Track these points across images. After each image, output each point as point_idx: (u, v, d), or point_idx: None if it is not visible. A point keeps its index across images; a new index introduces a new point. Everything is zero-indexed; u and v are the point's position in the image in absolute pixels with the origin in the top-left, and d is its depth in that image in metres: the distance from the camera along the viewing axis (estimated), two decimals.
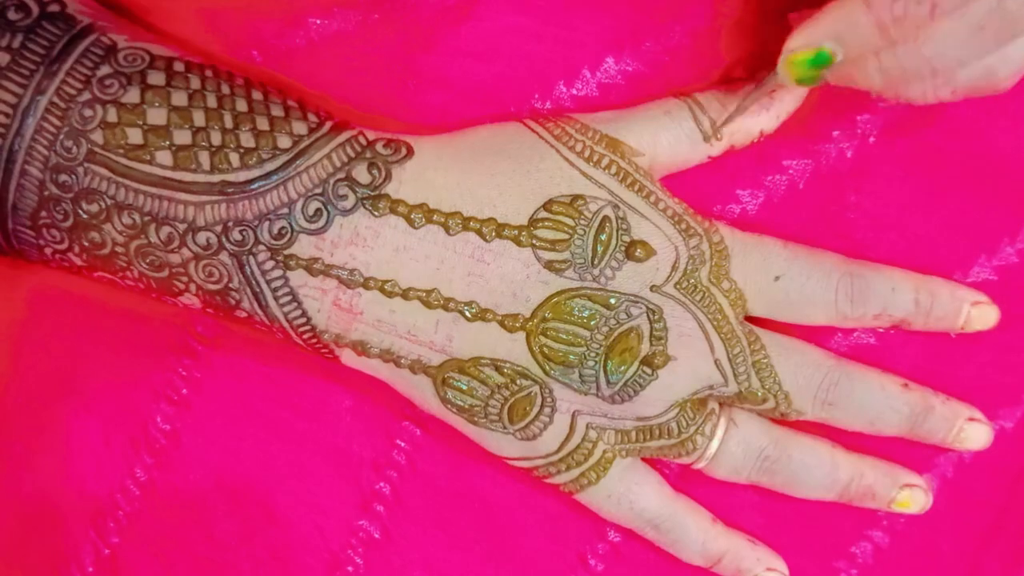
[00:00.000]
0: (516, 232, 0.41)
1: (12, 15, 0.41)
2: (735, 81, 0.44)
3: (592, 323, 0.41)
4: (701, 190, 0.44)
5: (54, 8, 0.42)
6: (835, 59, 0.39)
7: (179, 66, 0.42)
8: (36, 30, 0.41)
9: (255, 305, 0.41)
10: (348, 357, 0.43)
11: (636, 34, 0.43)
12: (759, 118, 0.43)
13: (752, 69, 0.44)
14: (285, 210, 0.41)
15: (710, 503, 0.45)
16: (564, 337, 0.41)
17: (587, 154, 0.42)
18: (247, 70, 0.44)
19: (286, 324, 0.42)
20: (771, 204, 0.44)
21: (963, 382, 0.45)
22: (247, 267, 0.41)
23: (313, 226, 0.41)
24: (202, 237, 0.41)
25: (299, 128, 0.41)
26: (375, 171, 0.41)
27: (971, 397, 0.45)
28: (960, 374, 0.45)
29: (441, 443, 0.45)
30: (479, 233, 0.41)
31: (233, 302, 0.41)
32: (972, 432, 0.45)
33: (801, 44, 0.39)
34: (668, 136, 0.43)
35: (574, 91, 0.44)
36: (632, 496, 0.44)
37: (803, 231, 0.44)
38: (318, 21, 0.44)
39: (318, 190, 0.41)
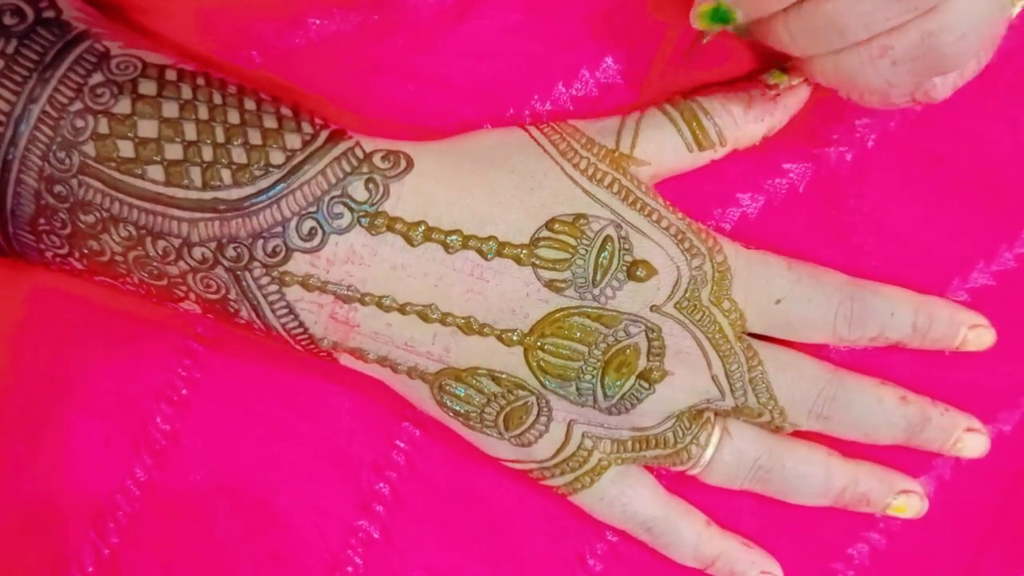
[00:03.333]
0: (517, 251, 0.41)
1: (7, 20, 0.41)
2: (737, 81, 0.44)
3: (590, 339, 0.41)
4: (702, 194, 0.44)
5: (49, 14, 0.41)
6: (734, 15, 0.38)
7: (171, 74, 0.41)
8: (31, 35, 0.41)
9: (253, 315, 0.41)
10: (347, 360, 0.43)
11: (635, 34, 0.43)
12: (763, 122, 0.43)
13: (753, 68, 0.44)
14: (279, 228, 0.40)
15: (706, 504, 0.45)
16: (562, 352, 0.41)
17: (590, 172, 0.42)
18: (241, 74, 0.43)
19: (284, 333, 0.42)
20: (771, 207, 0.44)
21: (962, 385, 0.45)
22: (243, 281, 0.41)
23: (308, 244, 0.40)
24: (197, 252, 0.40)
25: (292, 141, 0.41)
26: (372, 187, 0.41)
27: (970, 400, 0.45)
28: (959, 377, 0.45)
29: (440, 444, 0.45)
30: (479, 252, 0.41)
31: (232, 310, 0.41)
32: (969, 442, 0.45)
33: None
34: (673, 144, 0.43)
35: (573, 91, 0.44)
36: (625, 499, 0.44)
37: (803, 235, 0.44)
38: (318, 22, 0.43)
39: (312, 208, 0.40)
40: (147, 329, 0.46)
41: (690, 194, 0.44)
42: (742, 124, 0.43)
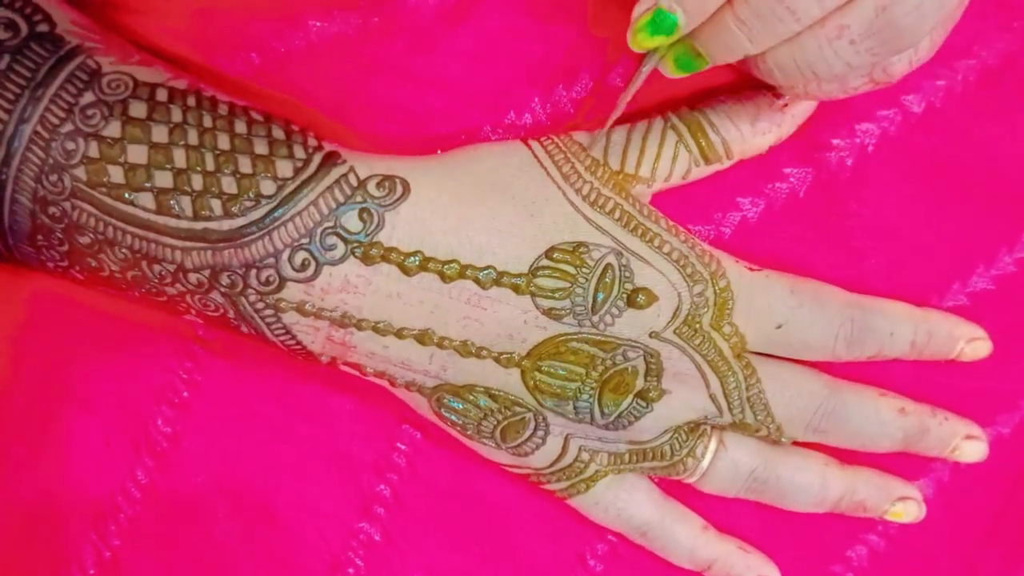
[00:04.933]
0: (516, 280, 0.41)
1: (1, 34, 0.40)
2: (740, 89, 0.43)
3: (587, 362, 0.41)
4: (702, 198, 0.44)
5: (43, 28, 0.41)
6: (678, 20, 0.36)
7: (162, 94, 0.41)
8: (23, 51, 0.40)
9: (253, 332, 0.41)
10: (346, 367, 0.43)
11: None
12: (770, 134, 0.43)
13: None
14: (271, 259, 0.40)
15: (705, 506, 0.45)
16: (559, 373, 0.41)
17: (593, 198, 0.41)
18: (234, 84, 0.43)
19: (283, 348, 0.42)
20: (772, 212, 0.44)
21: (961, 388, 0.45)
22: (240, 305, 0.40)
23: (301, 275, 0.40)
24: (193, 278, 0.40)
25: (284, 169, 0.40)
26: (366, 217, 0.40)
27: (970, 403, 0.45)
28: (958, 381, 0.45)
29: (441, 446, 0.45)
30: (476, 281, 0.40)
31: (234, 325, 0.41)
32: (967, 449, 0.45)
33: (640, 10, 0.37)
34: (679, 159, 0.42)
35: (574, 94, 0.43)
36: (620, 504, 0.44)
37: (803, 239, 0.44)
38: (318, 23, 0.43)
39: (304, 239, 0.40)
40: (148, 331, 0.46)
41: (691, 199, 0.44)
42: (749, 138, 0.42)
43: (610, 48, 0.43)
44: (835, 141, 0.44)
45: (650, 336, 0.42)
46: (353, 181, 0.40)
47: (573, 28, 0.43)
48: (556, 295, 0.41)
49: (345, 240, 0.40)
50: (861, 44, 0.36)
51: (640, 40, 0.37)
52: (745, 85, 0.43)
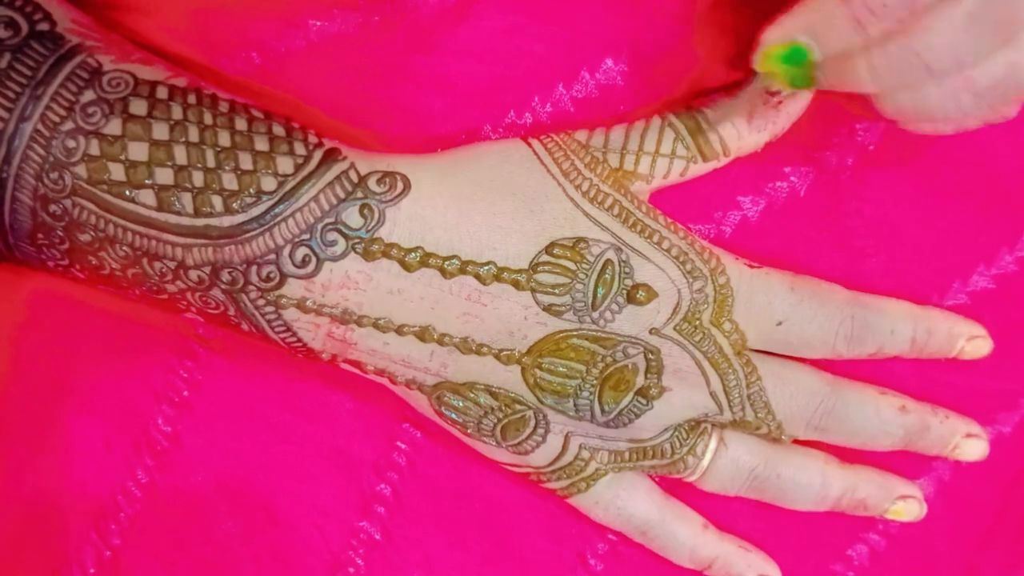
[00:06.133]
0: (516, 275, 0.41)
1: (1, 33, 0.40)
2: (738, 86, 0.43)
3: (588, 359, 0.41)
4: (702, 197, 0.44)
5: (43, 26, 0.41)
6: (812, 55, 0.37)
7: (162, 92, 0.41)
8: (24, 50, 0.40)
9: (253, 329, 0.41)
10: (347, 365, 0.43)
11: (635, 35, 0.43)
12: (766, 131, 0.43)
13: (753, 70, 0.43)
14: (272, 256, 0.40)
15: (706, 505, 0.45)
16: (560, 370, 0.41)
17: (592, 194, 0.42)
18: (235, 83, 0.43)
19: (284, 346, 0.42)
20: (772, 211, 0.44)
21: (961, 387, 0.45)
22: (240, 302, 0.41)
23: (302, 271, 0.40)
24: (193, 274, 0.40)
25: (284, 165, 0.40)
26: (367, 212, 0.40)
27: (970, 402, 0.45)
28: (960, 379, 0.45)
29: (441, 445, 0.45)
30: (477, 277, 0.41)
31: (234, 323, 0.42)
32: (968, 448, 0.45)
33: (775, 37, 0.37)
34: (680, 158, 0.42)
35: (574, 93, 0.43)
36: (620, 503, 0.44)
37: (803, 238, 0.44)
38: (318, 23, 0.43)
39: (305, 235, 0.40)
40: (148, 330, 0.46)
41: (691, 198, 0.44)
42: (745, 135, 0.42)
43: (609, 47, 0.43)
44: (835, 141, 0.44)
45: (650, 333, 0.42)
46: (354, 177, 0.40)
47: (573, 27, 0.43)
48: (556, 291, 0.41)
49: (346, 236, 0.40)
50: (983, 97, 0.37)
51: (769, 65, 0.38)
52: (740, 83, 0.43)
